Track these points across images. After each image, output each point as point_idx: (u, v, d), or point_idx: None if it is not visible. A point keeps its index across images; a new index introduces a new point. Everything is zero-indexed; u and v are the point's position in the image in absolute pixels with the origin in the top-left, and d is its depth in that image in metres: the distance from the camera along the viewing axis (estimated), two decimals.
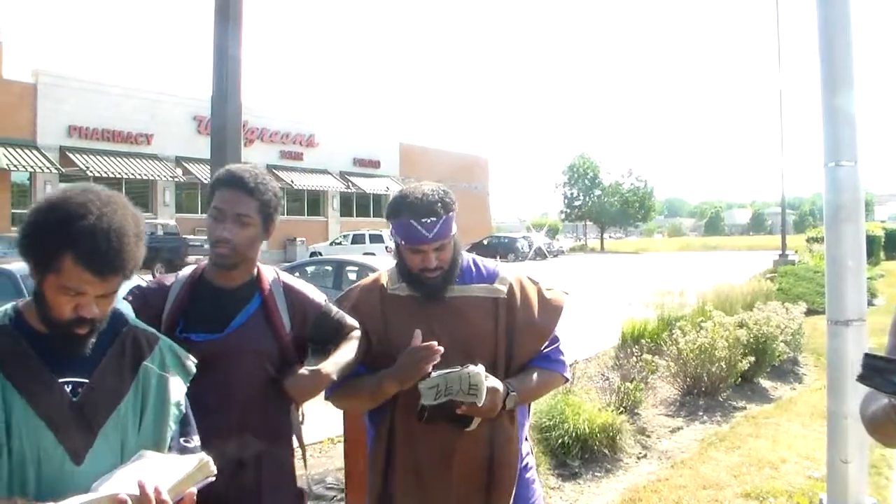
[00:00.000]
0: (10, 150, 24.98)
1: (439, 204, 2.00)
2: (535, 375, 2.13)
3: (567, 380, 2.29)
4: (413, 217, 1.98)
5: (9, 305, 1.54)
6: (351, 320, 2.09)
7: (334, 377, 1.97)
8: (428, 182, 2.11)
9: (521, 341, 2.11)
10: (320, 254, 28.12)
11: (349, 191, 38.14)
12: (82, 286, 1.41)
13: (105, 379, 1.51)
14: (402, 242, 2.04)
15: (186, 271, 2.08)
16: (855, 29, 2.36)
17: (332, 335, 2.07)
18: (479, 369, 1.86)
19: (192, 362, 1.68)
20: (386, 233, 30.33)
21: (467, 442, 2.03)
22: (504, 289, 2.13)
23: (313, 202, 36.77)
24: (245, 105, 3.76)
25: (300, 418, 2.14)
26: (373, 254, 23.73)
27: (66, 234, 1.38)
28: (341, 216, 38.46)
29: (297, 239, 32.66)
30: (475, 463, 2.05)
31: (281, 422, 2.04)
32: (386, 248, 27.89)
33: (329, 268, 12.46)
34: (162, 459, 1.46)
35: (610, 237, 71.75)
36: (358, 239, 30.82)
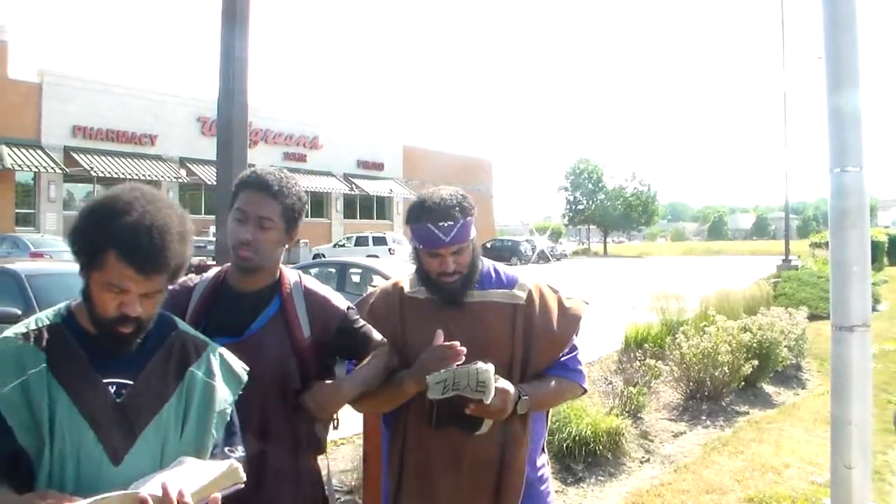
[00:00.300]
0: (15, 149, 25.06)
1: (457, 208, 2.02)
2: (551, 383, 2.13)
3: (585, 390, 2.25)
4: (431, 221, 2.00)
5: (62, 304, 1.57)
6: (378, 335, 2.06)
7: (355, 393, 1.94)
8: (446, 187, 2.13)
9: (538, 348, 2.11)
10: (323, 256, 28.18)
11: (352, 193, 38.17)
12: (125, 283, 1.42)
13: (150, 382, 1.52)
14: (420, 246, 2.06)
15: (210, 273, 2.06)
16: (861, 30, 2.35)
17: (358, 347, 2.04)
18: (488, 367, 1.86)
19: (243, 370, 1.67)
20: (389, 235, 30.44)
21: (477, 445, 2.04)
22: (523, 295, 2.13)
23: (317, 204, 36.76)
24: (249, 106, 3.76)
25: (334, 423, 2.09)
26: (376, 256, 23.77)
27: (109, 231, 1.41)
28: (345, 218, 38.49)
29: (301, 241, 32.60)
30: (485, 466, 2.06)
31: (302, 427, 1.98)
32: (389, 250, 27.93)
33: (332, 270, 12.46)
34: (200, 466, 1.45)
35: (613, 241, 71.80)
36: (361, 241, 30.83)
